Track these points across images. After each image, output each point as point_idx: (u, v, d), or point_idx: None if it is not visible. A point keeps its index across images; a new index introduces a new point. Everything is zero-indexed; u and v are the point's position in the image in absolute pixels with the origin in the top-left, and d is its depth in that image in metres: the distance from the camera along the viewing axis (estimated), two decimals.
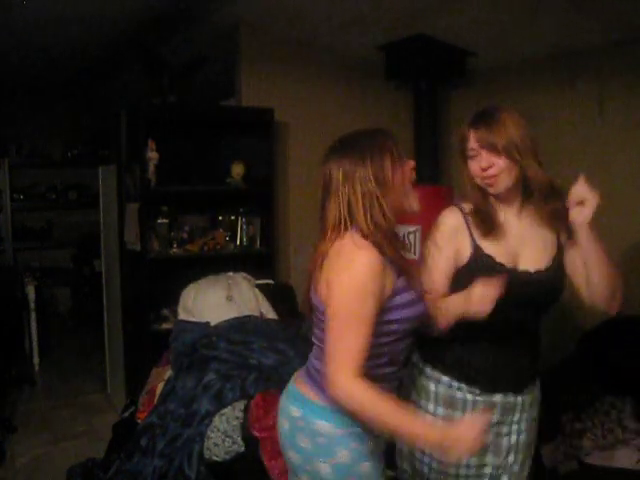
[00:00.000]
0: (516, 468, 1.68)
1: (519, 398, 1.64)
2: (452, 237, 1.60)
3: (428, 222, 3.71)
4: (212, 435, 2.35)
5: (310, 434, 1.45)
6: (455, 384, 1.61)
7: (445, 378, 1.62)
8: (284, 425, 1.53)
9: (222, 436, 2.33)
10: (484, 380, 1.60)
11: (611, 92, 3.41)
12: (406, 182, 1.44)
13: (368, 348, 1.33)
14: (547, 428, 2.30)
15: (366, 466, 1.46)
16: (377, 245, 1.36)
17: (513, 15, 3.20)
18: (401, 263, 1.41)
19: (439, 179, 4.05)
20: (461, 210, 1.61)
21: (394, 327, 1.41)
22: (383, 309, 1.37)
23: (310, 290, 1.48)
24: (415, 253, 3.47)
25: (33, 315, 4.69)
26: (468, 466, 1.63)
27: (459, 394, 1.61)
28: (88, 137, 5.93)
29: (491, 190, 1.55)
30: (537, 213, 1.57)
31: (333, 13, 3.43)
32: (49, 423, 3.67)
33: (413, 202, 1.46)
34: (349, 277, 1.34)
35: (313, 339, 1.52)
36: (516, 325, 1.58)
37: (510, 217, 1.59)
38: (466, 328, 1.50)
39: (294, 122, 3.92)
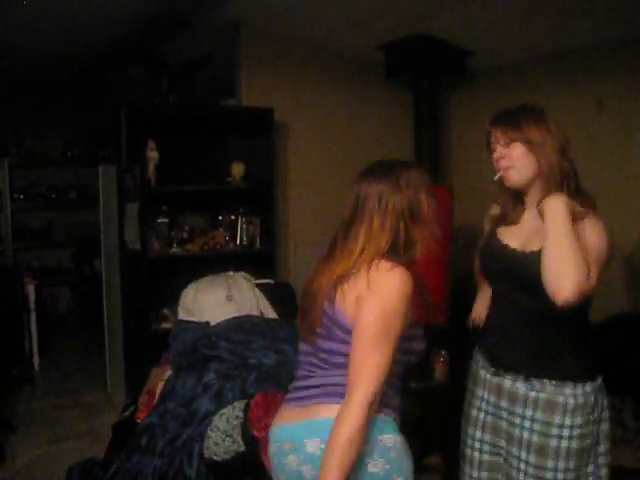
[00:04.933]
0: (531, 470, 1.59)
1: (531, 393, 1.60)
2: (490, 222, 1.79)
3: None
4: (212, 435, 2.35)
5: (381, 453, 1.41)
6: (481, 362, 1.75)
7: (477, 354, 1.78)
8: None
9: (222, 436, 2.33)
10: (491, 356, 1.71)
11: (610, 92, 3.42)
12: (435, 218, 1.48)
13: (388, 369, 1.35)
14: None
15: (410, 464, 1.48)
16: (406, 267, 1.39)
17: (513, 15, 3.20)
18: (422, 296, 1.47)
19: (439, 179, 4.06)
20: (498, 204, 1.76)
21: (405, 358, 1.46)
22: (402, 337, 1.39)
23: (324, 306, 1.44)
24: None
25: (33, 315, 4.69)
26: (482, 441, 1.72)
27: (482, 372, 1.74)
28: (88, 137, 5.93)
29: (506, 183, 1.62)
30: None
31: (333, 13, 3.43)
32: (49, 423, 3.67)
33: (437, 237, 1.49)
34: (383, 296, 1.35)
35: (327, 356, 1.46)
36: (521, 309, 1.62)
37: (531, 209, 1.64)
38: (489, 309, 1.76)
39: (294, 122, 3.92)
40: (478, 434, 1.73)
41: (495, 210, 1.78)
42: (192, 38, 3.85)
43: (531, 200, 1.64)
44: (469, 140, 3.78)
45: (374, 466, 1.39)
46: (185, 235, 3.53)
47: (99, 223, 4.13)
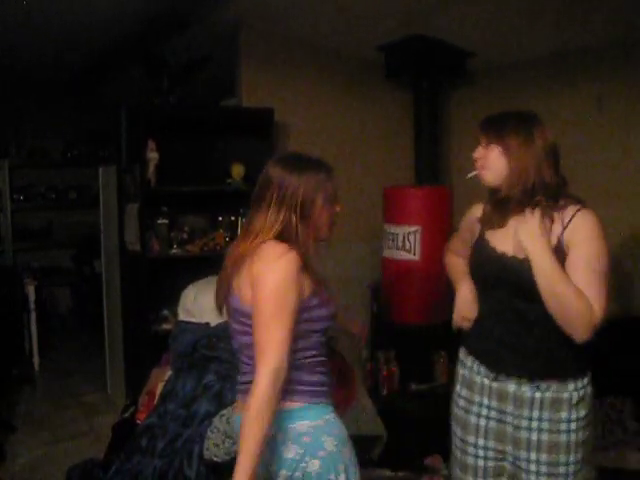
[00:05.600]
0: (544, 469, 1.63)
1: (537, 394, 1.63)
2: (468, 223, 1.86)
3: (428, 222, 3.73)
4: (212, 435, 2.35)
5: (293, 440, 1.51)
6: (475, 367, 1.75)
7: (467, 359, 1.78)
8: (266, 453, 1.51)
9: (222, 436, 2.33)
10: (488, 361, 1.71)
11: (611, 92, 3.41)
12: (327, 222, 1.59)
13: (291, 340, 1.44)
14: None
15: (347, 450, 1.56)
16: (295, 251, 1.50)
17: (513, 15, 3.20)
18: (312, 273, 1.53)
19: (439, 179, 4.06)
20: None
21: (318, 325, 1.55)
22: (305, 307, 1.50)
23: (229, 296, 1.58)
24: (415, 253, 3.47)
25: (33, 315, 4.69)
26: (486, 448, 1.72)
27: (477, 378, 1.74)
28: (88, 137, 5.92)
29: (481, 182, 1.69)
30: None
31: (333, 13, 3.43)
32: (49, 423, 3.67)
33: (326, 235, 1.62)
34: (273, 276, 1.46)
35: (241, 353, 1.60)
36: (516, 313, 1.65)
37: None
38: (480, 313, 1.76)
39: (294, 122, 3.92)
40: (481, 442, 1.73)
41: (477, 210, 1.82)
42: (192, 38, 3.84)
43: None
44: (469, 140, 3.77)
45: (288, 452, 1.51)
46: (185, 236, 3.53)
47: (99, 223, 4.13)
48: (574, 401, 1.63)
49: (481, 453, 1.73)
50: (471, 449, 1.75)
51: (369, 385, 3.36)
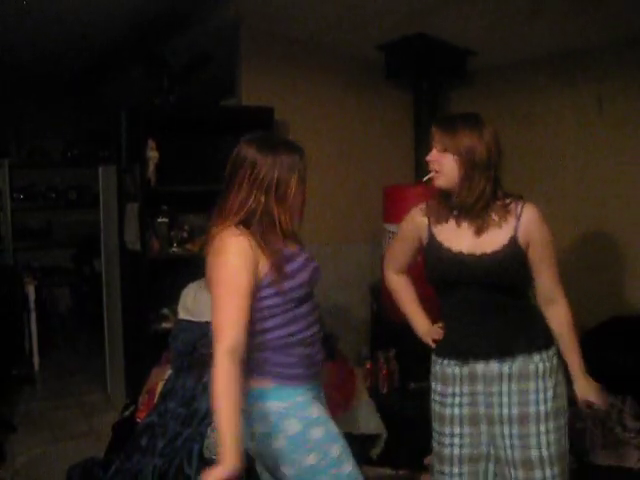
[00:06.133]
0: (516, 442, 1.71)
1: (505, 368, 1.73)
2: (411, 231, 1.90)
3: None
4: (212, 434, 2.35)
5: (260, 420, 1.56)
6: (445, 361, 1.83)
7: (438, 359, 1.86)
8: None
9: None
10: (458, 351, 1.80)
11: (611, 92, 3.41)
12: (300, 204, 1.62)
13: (247, 318, 1.47)
14: None
15: (318, 431, 1.58)
16: (251, 234, 1.54)
17: (513, 15, 3.20)
18: (270, 250, 1.55)
19: None
20: (423, 208, 1.88)
21: (289, 296, 1.56)
22: (268, 283, 1.53)
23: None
24: None
25: (33, 315, 4.68)
26: (461, 435, 1.79)
27: (448, 370, 1.81)
28: (88, 137, 5.93)
29: (434, 182, 1.77)
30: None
31: (333, 13, 3.43)
32: (49, 423, 3.67)
33: (296, 221, 1.65)
34: (220, 260, 1.52)
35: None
36: (480, 303, 1.76)
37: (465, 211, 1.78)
38: (444, 312, 1.87)
39: (294, 121, 3.91)
40: (457, 430, 1.79)
41: (416, 215, 1.88)
42: (192, 38, 3.85)
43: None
44: None
45: (258, 427, 1.57)
46: (185, 235, 3.53)
47: (99, 223, 4.13)
48: (540, 372, 1.73)
49: (456, 441, 1.80)
50: (447, 439, 1.81)
51: (369, 384, 3.36)
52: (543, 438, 1.70)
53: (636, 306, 3.31)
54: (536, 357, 1.74)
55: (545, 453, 1.70)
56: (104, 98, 5.16)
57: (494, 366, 1.74)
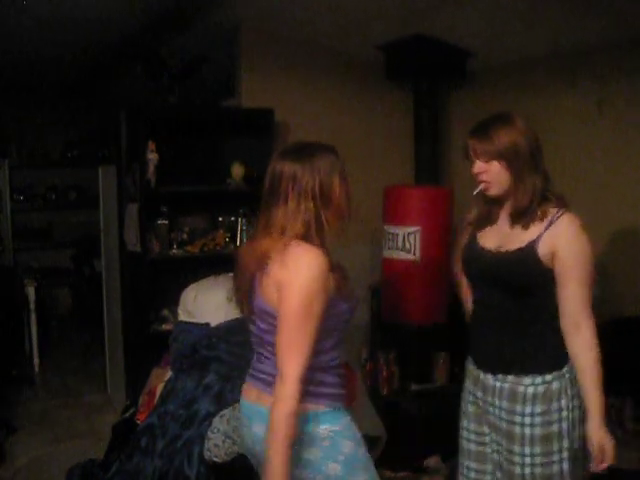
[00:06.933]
0: (504, 454, 1.72)
1: (497, 383, 1.74)
2: (464, 225, 1.94)
3: (428, 222, 3.73)
4: (212, 436, 2.35)
5: (314, 443, 1.52)
6: (469, 357, 1.87)
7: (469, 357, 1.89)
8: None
9: (222, 437, 2.34)
10: (475, 358, 1.84)
11: (611, 92, 3.41)
12: (347, 199, 1.59)
13: (314, 343, 1.44)
14: None
15: (363, 451, 1.60)
16: (321, 249, 1.48)
17: (513, 15, 3.20)
18: (338, 270, 1.54)
19: (439, 180, 4.06)
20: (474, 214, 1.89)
21: (343, 318, 1.56)
22: (331, 304, 1.49)
23: (252, 294, 1.56)
24: (415, 254, 3.47)
25: (33, 315, 4.68)
26: (468, 429, 1.84)
27: (469, 366, 1.87)
28: (88, 137, 5.93)
29: (487, 193, 1.74)
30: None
31: (333, 13, 3.43)
32: (49, 423, 3.67)
33: (349, 213, 1.61)
34: (300, 284, 1.43)
35: (264, 347, 1.59)
36: (494, 310, 1.76)
37: (505, 214, 1.77)
38: (472, 314, 1.89)
39: (294, 122, 3.91)
40: (465, 423, 1.86)
41: (474, 213, 1.89)
42: (192, 38, 3.85)
43: (507, 205, 1.75)
44: None
45: (308, 453, 1.52)
46: (185, 236, 3.53)
47: (99, 223, 4.13)
48: (529, 396, 1.68)
49: (465, 434, 1.86)
50: (464, 432, 1.87)
51: (369, 385, 3.36)
52: (527, 459, 1.67)
53: (636, 307, 3.31)
54: (527, 380, 1.69)
55: (528, 471, 1.67)
56: (104, 98, 5.16)
57: (489, 377, 1.77)
